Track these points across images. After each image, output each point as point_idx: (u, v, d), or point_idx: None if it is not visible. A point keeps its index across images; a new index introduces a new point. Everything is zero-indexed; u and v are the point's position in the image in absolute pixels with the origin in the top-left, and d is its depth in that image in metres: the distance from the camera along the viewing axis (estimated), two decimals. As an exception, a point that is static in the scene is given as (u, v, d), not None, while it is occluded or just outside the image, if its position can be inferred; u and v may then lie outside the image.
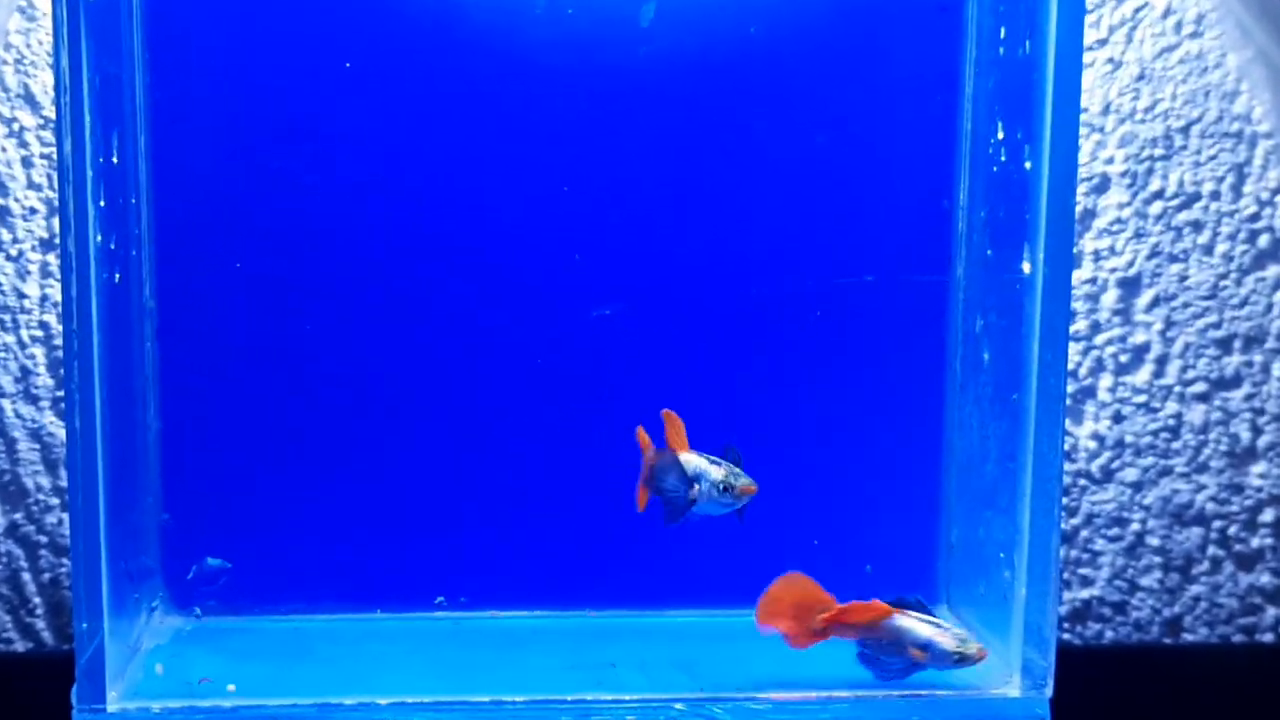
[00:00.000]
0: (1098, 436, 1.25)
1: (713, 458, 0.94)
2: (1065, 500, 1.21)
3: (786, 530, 1.07)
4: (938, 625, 0.91)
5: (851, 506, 1.09)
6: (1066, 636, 1.24)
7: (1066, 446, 1.12)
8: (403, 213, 1.03)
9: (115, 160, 0.94)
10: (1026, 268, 0.94)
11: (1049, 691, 0.93)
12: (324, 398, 1.05)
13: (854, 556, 1.10)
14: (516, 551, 1.08)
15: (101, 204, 0.90)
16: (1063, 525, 1.16)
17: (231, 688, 0.92)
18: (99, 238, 0.89)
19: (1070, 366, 1.16)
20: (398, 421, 1.06)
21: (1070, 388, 1.17)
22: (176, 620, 1.06)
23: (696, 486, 0.93)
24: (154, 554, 1.04)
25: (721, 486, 0.93)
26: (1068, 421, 1.19)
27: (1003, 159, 1.00)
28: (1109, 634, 1.26)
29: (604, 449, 1.06)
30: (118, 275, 0.95)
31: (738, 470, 0.94)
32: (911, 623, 0.92)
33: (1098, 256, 1.23)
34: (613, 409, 1.06)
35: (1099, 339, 1.24)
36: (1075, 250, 1.13)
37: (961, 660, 0.90)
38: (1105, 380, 1.24)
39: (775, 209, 1.06)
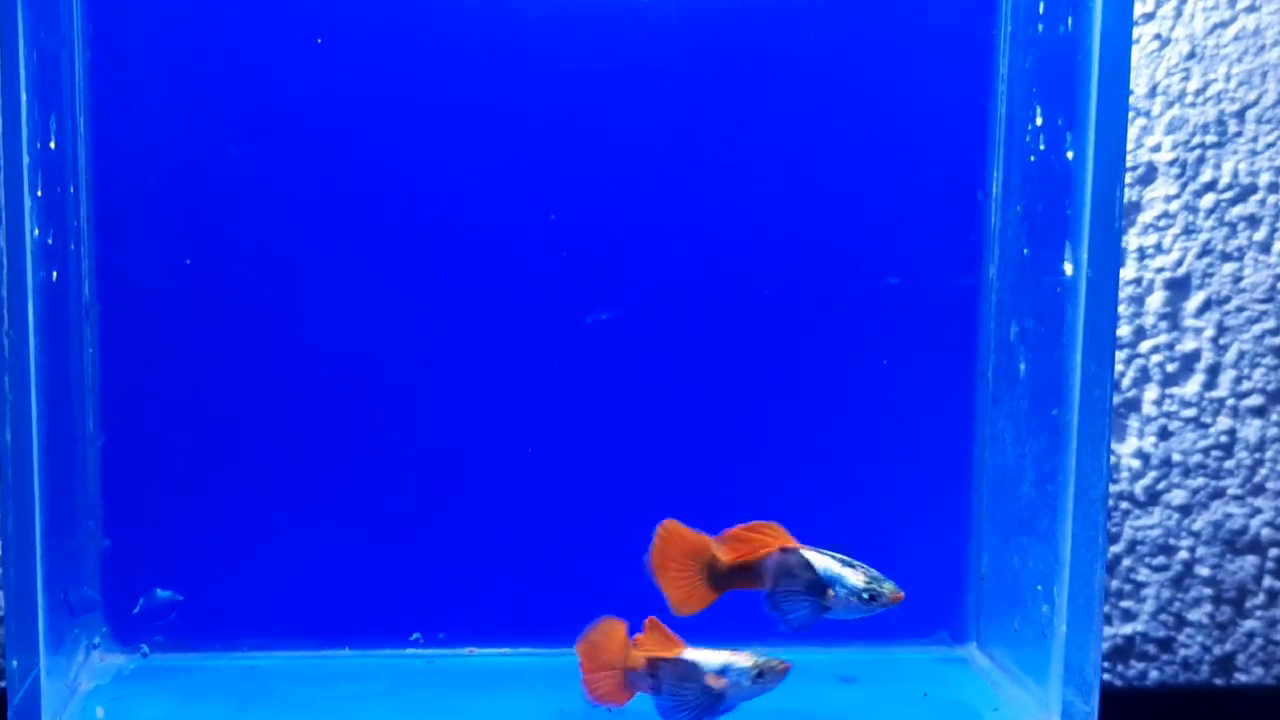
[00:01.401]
0: (1142, 454, 1.25)
1: (843, 557, 0.92)
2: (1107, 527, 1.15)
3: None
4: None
5: (871, 531, 1.09)
6: (1106, 677, 1.24)
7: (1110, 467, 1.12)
8: (373, 206, 1.03)
9: (53, 146, 0.94)
10: (1068, 268, 0.95)
11: (1093, 738, 0.93)
12: (286, 410, 1.05)
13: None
14: (499, 583, 1.08)
15: (39, 194, 0.90)
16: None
17: (182, 733, 0.92)
18: (36, 231, 0.89)
19: (1113, 377, 1.11)
20: (370, 438, 1.06)
21: (1112, 399, 1.12)
22: (120, 658, 1.06)
23: (831, 593, 0.91)
24: (95, 584, 1.04)
25: (866, 595, 0.90)
26: (1110, 438, 1.14)
27: (1041, 147, 1.00)
28: (1153, 674, 1.26)
29: (597, 473, 1.07)
30: (55, 273, 0.95)
31: (877, 574, 0.91)
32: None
33: (1143, 255, 1.23)
34: (609, 427, 1.07)
35: (1144, 346, 1.24)
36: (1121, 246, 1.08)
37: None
38: (1151, 392, 1.24)
39: (790, 203, 1.07)
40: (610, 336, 1.06)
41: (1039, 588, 1.00)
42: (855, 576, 0.90)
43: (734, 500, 1.08)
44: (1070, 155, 0.94)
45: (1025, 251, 1.03)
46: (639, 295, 1.06)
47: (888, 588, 0.90)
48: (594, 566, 1.08)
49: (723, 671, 0.90)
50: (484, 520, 1.08)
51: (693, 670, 0.90)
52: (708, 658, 0.91)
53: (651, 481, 1.08)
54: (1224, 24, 1.19)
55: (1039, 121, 1.00)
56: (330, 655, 1.08)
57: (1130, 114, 1.15)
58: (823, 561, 0.91)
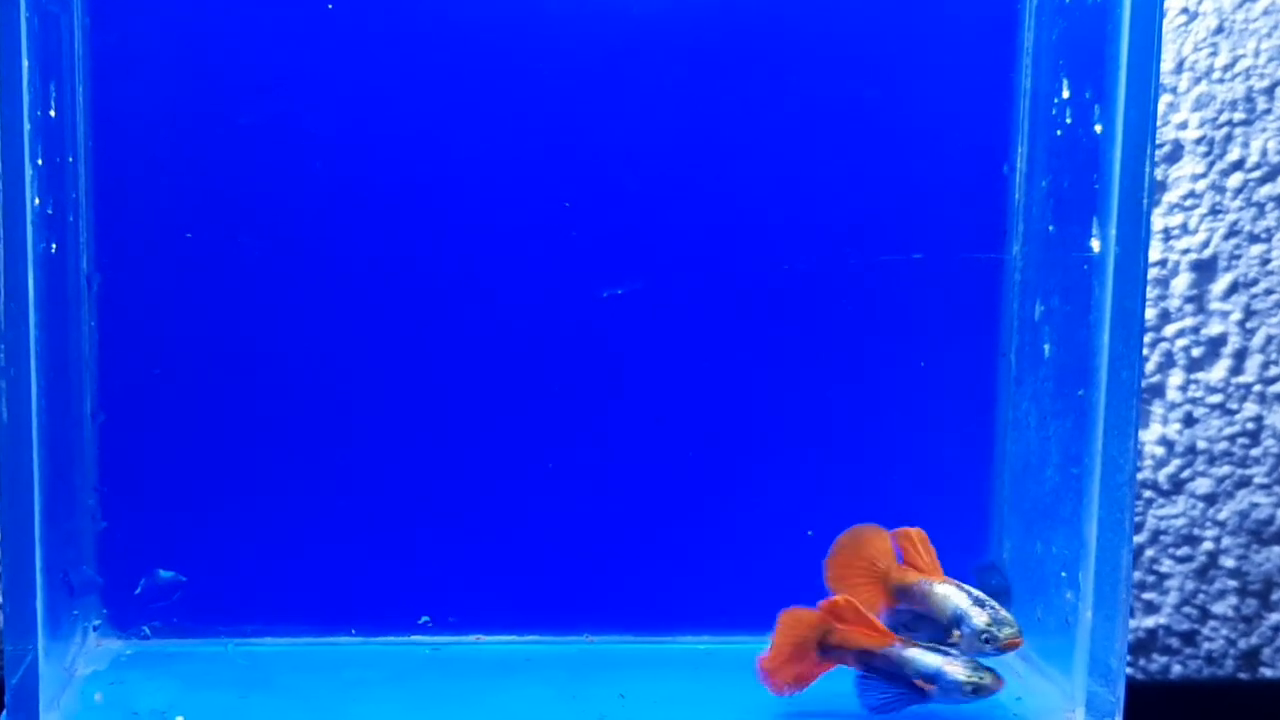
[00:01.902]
0: (1166, 442, 1.25)
1: (972, 591, 0.94)
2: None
3: (812, 545, 1.07)
4: (947, 654, 0.93)
5: (889, 515, 1.06)
6: (1128, 671, 1.22)
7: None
8: (379, 176, 1.03)
9: (53, 114, 0.94)
10: (1095, 245, 0.96)
11: (1117, 731, 0.93)
12: (290, 387, 1.05)
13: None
14: (507, 568, 1.09)
15: (39, 163, 0.90)
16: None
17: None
18: (36, 201, 0.89)
19: (1138, 361, 1.12)
20: (377, 415, 1.06)
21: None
22: (118, 642, 1.06)
23: (957, 634, 0.93)
24: (94, 565, 1.05)
25: (983, 638, 0.93)
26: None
27: (1068, 121, 1.00)
28: (1176, 668, 1.27)
29: (608, 454, 1.08)
30: (54, 244, 0.95)
31: (1002, 614, 0.92)
32: (918, 652, 0.93)
33: (1168, 235, 1.22)
34: (620, 408, 1.08)
35: (1169, 330, 1.24)
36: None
37: (977, 691, 0.91)
38: (1175, 377, 1.24)
39: (811, 178, 1.07)
40: (622, 316, 1.06)
41: (1063, 574, 1.00)
42: (980, 616, 0.93)
43: (743, 480, 1.10)
44: (1098, 129, 0.95)
45: (1051, 228, 1.03)
46: (655, 272, 1.07)
47: (1006, 633, 0.93)
48: (603, 552, 1.10)
49: (934, 678, 0.92)
50: (492, 505, 1.08)
51: (902, 667, 0.93)
52: (924, 658, 0.93)
53: (663, 466, 1.09)
54: (1253, -2, 1.18)
55: (1066, 95, 1.00)
56: (335, 641, 1.08)
57: (1156, 90, 1.18)
58: (958, 601, 0.94)
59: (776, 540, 1.10)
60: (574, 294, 1.06)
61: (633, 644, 1.10)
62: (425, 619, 1.09)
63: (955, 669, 0.92)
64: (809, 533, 1.08)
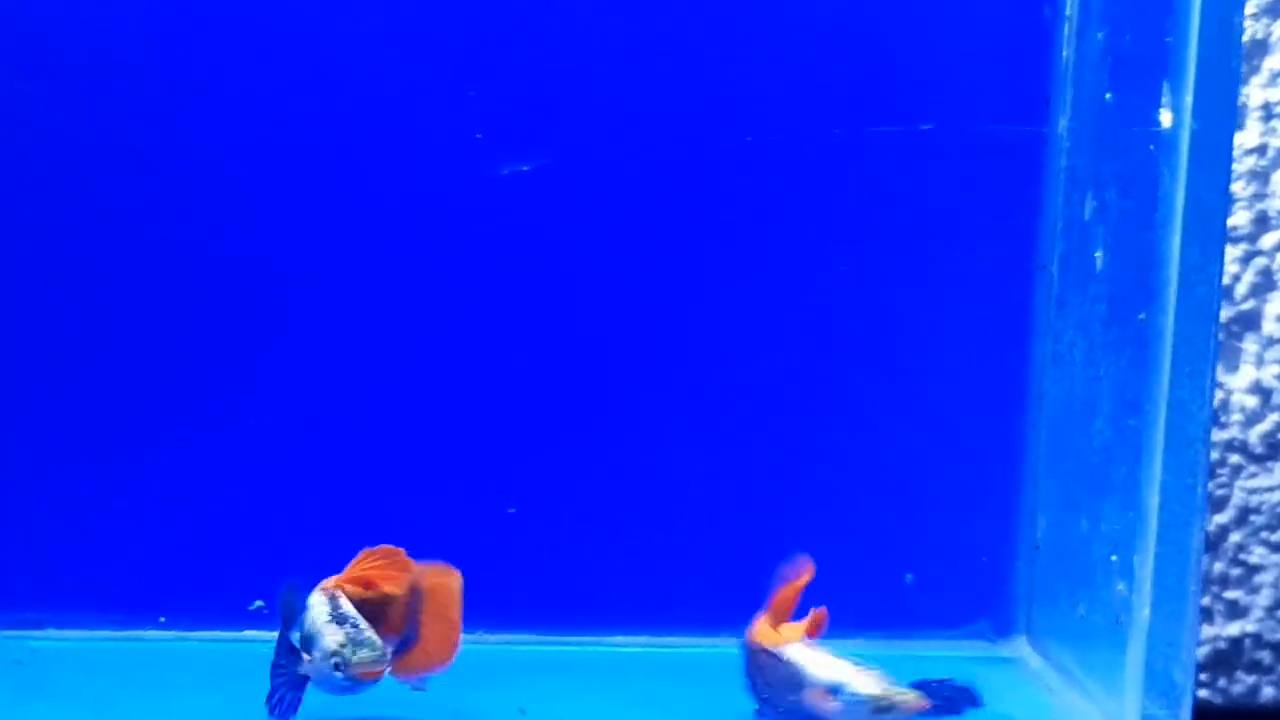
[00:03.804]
0: (1261, 390, 1.22)
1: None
2: (1209, 484, 1.17)
3: (798, 519, 1.10)
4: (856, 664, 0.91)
5: (891, 483, 1.10)
6: (1203, 693, 1.22)
7: (1214, 400, 1.03)
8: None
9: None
10: (1165, 119, 0.93)
11: (1181, 769, 0.94)
12: (70, 357, 1.08)
13: (893, 558, 1.10)
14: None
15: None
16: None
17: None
18: None
19: (1224, 280, 1.06)
20: (177, 390, 1.09)
21: (1222, 313, 1.06)
22: None
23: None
24: None
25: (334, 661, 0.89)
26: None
27: (1132, -51, 0.98)
28: (1268, 690, 1.24)
29: (532, 417, 1.10)
30: None
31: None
32: (818, 657, 0.92)
33: (1269, 114, 1.19)
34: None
35: (1266, 241, 1.20)
36: (1240, 100, 1.12)
37: (884, 711, 0.89)
38: (1274, 304, 1.21)
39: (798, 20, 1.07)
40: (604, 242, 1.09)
41: (1113, 559, 0.99)
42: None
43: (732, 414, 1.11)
44: (1172, -40, 0.93)
45: (1108, 96, 1.02)
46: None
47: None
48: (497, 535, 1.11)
49: (835, 691, 0.90)
50: (367, 483, 1.11)
51: (796, 678, 0.92)
52: (822, 667, 0.91)
53: (649, 396, 1.11)
54: None
55: (1128, -88, 0.99)
56: (138, 635, 1.09)
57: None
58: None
59: (750, 515, 1.11)
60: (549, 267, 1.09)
61: (550, 645, 1.11)
62: (259, 604, 1.09)
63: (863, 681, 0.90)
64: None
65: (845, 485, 1.10)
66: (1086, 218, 1.05)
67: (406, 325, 1.09)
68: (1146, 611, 0.95)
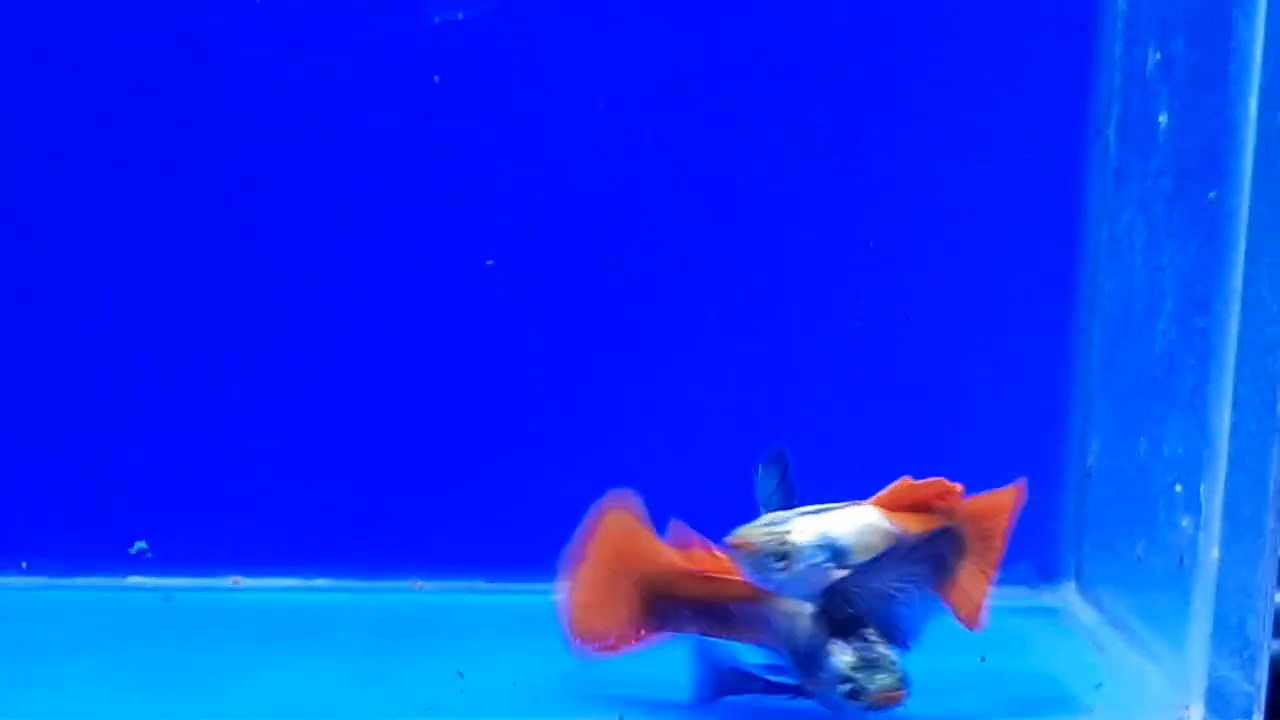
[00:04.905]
0: None
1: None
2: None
3: (805, 439, 1.02)
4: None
5: (919, 400, 1.10)
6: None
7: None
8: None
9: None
10: None
11: (1255, 732, 0.95)
12: None
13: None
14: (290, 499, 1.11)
15: None
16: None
17: None
18: None
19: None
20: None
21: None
22: None
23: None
24: None
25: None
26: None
27: None
28: None
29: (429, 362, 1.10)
30: None
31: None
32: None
33: None
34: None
35: None
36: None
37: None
38: None
39: None
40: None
41: (1178, 489, 0.98)
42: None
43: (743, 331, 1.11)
44: None
45: None
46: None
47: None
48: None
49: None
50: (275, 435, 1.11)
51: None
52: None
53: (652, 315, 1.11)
54: None
55: None
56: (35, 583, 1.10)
57: None
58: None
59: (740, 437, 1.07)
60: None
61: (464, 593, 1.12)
62: (141, 546, 1.11)
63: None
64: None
65: (881, 408, 1.11)
66: (1148, 73, 1.05)
67: (384, 317, 1.10)
68: (1215, 552, 0.94)
